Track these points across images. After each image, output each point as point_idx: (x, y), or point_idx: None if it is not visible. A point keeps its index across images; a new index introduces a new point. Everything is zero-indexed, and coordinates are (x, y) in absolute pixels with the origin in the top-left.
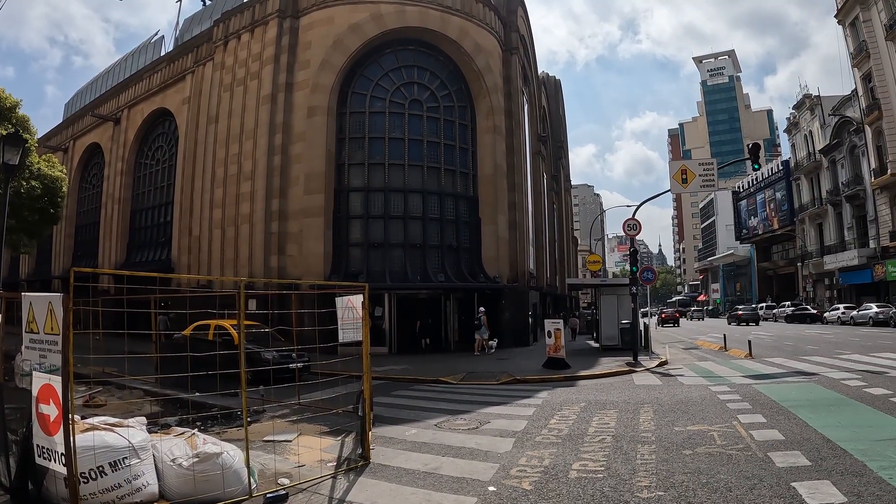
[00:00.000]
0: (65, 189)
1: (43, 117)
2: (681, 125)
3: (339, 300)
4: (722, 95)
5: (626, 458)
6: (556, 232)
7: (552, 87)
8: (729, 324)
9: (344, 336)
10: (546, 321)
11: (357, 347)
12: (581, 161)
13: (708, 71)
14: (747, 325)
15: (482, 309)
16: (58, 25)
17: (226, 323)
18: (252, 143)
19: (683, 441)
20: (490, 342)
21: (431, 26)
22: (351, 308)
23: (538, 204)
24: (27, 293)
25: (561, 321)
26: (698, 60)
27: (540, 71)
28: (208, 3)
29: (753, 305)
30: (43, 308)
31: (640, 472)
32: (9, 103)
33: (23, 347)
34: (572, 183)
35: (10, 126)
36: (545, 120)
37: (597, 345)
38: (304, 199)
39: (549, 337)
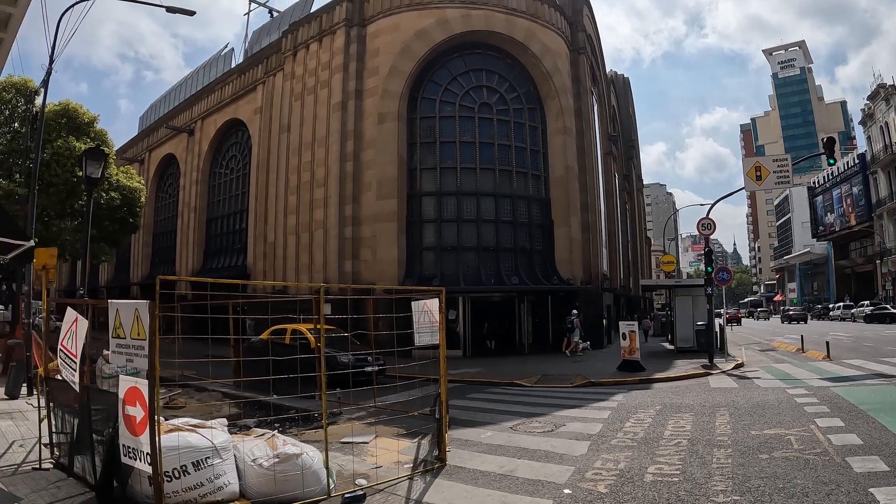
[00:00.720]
0: (143, 199)
1: (118, 131)
2: (753, 120)
3: (415, 304)
4: (793, 88)
5: (701, 461)
6: (628, 232)
7: (621, 86)
8: (781, 322)
9: (420, 339)
10: (620, 323)
11: (432, 351)
12: (651, 160)
13: (778, 63)
14: (798, 323)
15: (575, 311)
16: (128, 42)
17: (302, 327)
18: (324, 151)
19: (760, 445)
20: (584, 343)
21: (497, 29)
22: (427, 312)
23: (610, 204)
24: (113, 300)
25: (635, 323)
26: (768, 53)
27: (607, 69)
28: (275, 15)
29: (816, 305)
30: (129, 314)
31: (716, 476)
32: (87, 118)
33: (109, 352)
34: (644, 182)
35: (88, 140)
36: (615, 119)
37: (671, 347)
38: (377, 204)
39: (624, 339)
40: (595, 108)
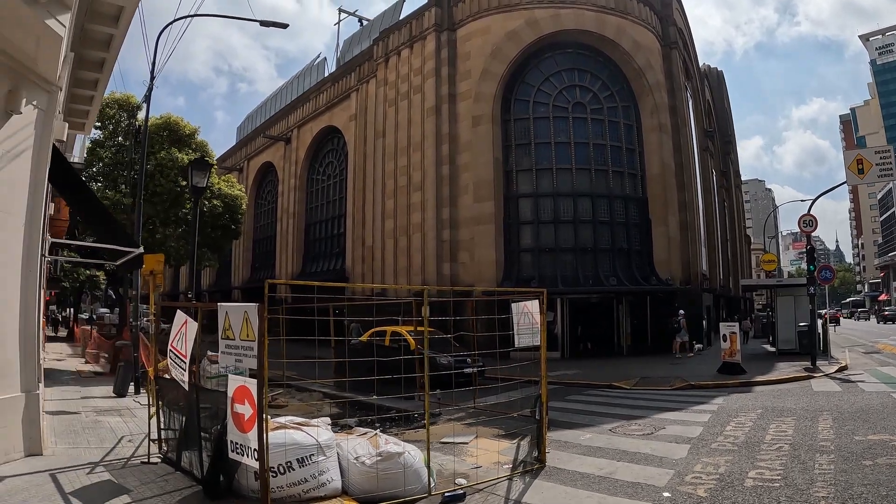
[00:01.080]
0: (244, 207)
1: (215, 141)
2: (852, 110)
3: (514, 305)
4: (893, 75)
5: (803, 467)
6: (727, 230)
7: (715, 80)
8: (878, 322)
9: (520, 341)
10: (721, 324)
11: (530, 352)
12: (749, 155)
13: (876, 49)
14: (894, 323)
15: (682, 312)
16: (222, 56)
17: (402, 329)
18: (420, 155)
19: (863, 451)
20: (698, 345)
21: (587, 27)
22: (527, 313)
23: (708, 202)
24: (222, 303)
25: (736, 324)
26: (864, 38)
27: (700, 63)
28: (365, 23)
29: None
30: (239, 317)
31: (818, 482)
32: (188, 130)
33: (217, 353)
34: (742, 178)
35: (190, 151)
36: (710, 114)
37: (772, 349)
38: (474, 206)
39: (724, 341)
40: (690, 103)
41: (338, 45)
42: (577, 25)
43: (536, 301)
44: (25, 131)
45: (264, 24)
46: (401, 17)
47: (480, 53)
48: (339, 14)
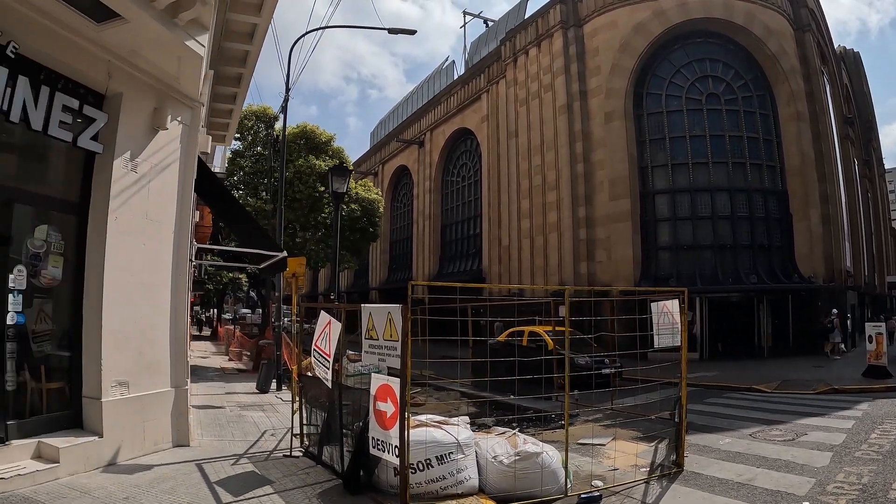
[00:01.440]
0: (381, 210)
1: (349, 147)
2: None
3: (654, 305)
4: None
5: None
6: (871, 224)
7: (852, 62)
8: None
9: (660, 342)
10: (866, 325)
11: (669, 353)
12: (890, 141)
13: None
14: None
15: (835, 311)
16: (350, 65)
17: (540, 329)
18: (553, 154)
19: None
20: (840, 345)
21: (716, 15)
22: (667, 313)
23: (851, 193)
24: (366, 304)
25: (882, 324)
26: None
27: (835, 45)
28: (490, 24)
29: None
30: (382, 317)
31: None
32: (324, 138)
33: (360, 352)
34: (885, 167)
35: (327, 158)
36: (849, 100)
37: None
38: (610, 204)
39: (870, 342)
40: (827, 89)
41: (465, 47)
42: (705, 13)
43: (676, 300)
44: (172, 145)
45: (392, 31)
46: (526, 16)
47: (609, 48)
48: (464, 17)
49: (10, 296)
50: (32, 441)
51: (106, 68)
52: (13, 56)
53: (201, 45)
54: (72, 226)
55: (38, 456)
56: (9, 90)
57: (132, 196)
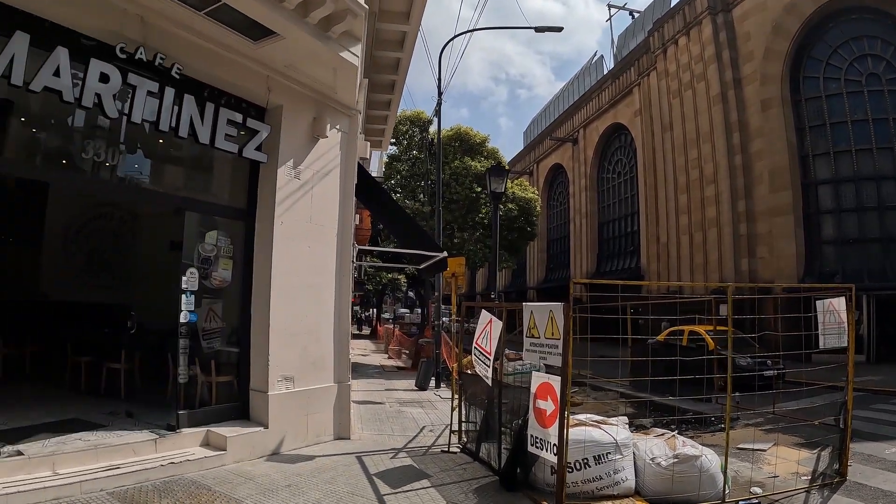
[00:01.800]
0: (538, 209)
1: (502, 147)
2: None
3: (819, 303)
4: None
5: None
6: None
7: None
8: None
9: (826, 342)
10: None
11: (833, 355)
12: None
13: None
14: None
15: None
16: (497, 65)
17: (700, 328)
18: (710, 146)
19: None
20: None
21: None
22: (833, 312)
23: None
24: (527, 303)
25: None
26: None
27: None
28: (636, 16)
29: None
30: (544, 315)
31: None
32: (478, 139)
33: (523, 350)
34: None
35: (482, 159)
36: None
37: None
38: (770, 197)
39: None
40: None
41: (612, 41)
42: None
43: (843, 298)
44: (332, 153)
45: (539, 29)
46: (672, 5)
47: (760, 32)
48: (609, 10)
49: (183, 296)
50: (202, 430)
51: (265, 83)
52: (178, 77)
53: (355, 55)
54: (239, 230)
55: (206, 444)
56: (176, 108)
57: (296, 202)
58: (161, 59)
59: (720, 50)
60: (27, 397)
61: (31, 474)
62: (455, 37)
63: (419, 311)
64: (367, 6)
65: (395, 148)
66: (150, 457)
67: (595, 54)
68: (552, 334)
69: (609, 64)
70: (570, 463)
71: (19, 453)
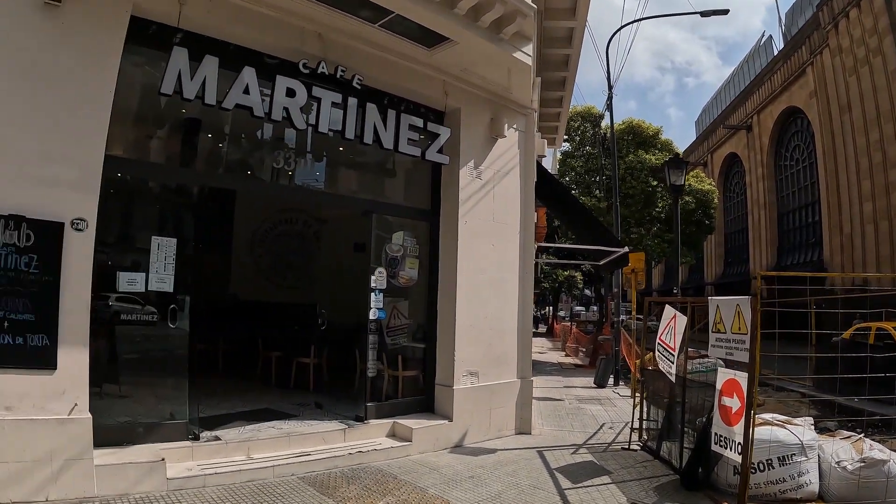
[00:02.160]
0: (716, 200)
1: (673, 138)
2: None
3: None
4: None
5: None
6: None
7: None
8: None
9: None
10: None
11: None
12: None
13: None
14: None
15: None
16: (661, 54)
17: (888, 325)
18: (892, 126)
19: None
20: None
21: None
22: None
23: None
24: (713, 297)
25: None
26: None
27: None
28: None
29: None
30: (730, 310)
31: None
32: (651, 131)
33: (709, 345)
34: None
35: (656, 151)
36: None
37: None
38: None
39: None
40: None
41: (779, 19)
42: None
43: None
44: (510, 152)
45: (705, 14)
46: None
47: None
48: None
49: (372, 294)
50: (388, 421)
51: (442, 87)
52: (359, 87)
53: (527, 55)
54: (424, 231)
55: (392, 434)
56: (359, 117)
57: (479, 201)
58: (342, 71)
59: (894, 20)
60: (222, 389)
61: (227, 458)
62: (621, 28)
63: (595, 308)
64: (535, 5)
65: (567, 145)
66: (339, 445)
67: (763, 35)
68: (739, 329)
69: (778, 44)
70: (753, 463)
71: (217, 438)
